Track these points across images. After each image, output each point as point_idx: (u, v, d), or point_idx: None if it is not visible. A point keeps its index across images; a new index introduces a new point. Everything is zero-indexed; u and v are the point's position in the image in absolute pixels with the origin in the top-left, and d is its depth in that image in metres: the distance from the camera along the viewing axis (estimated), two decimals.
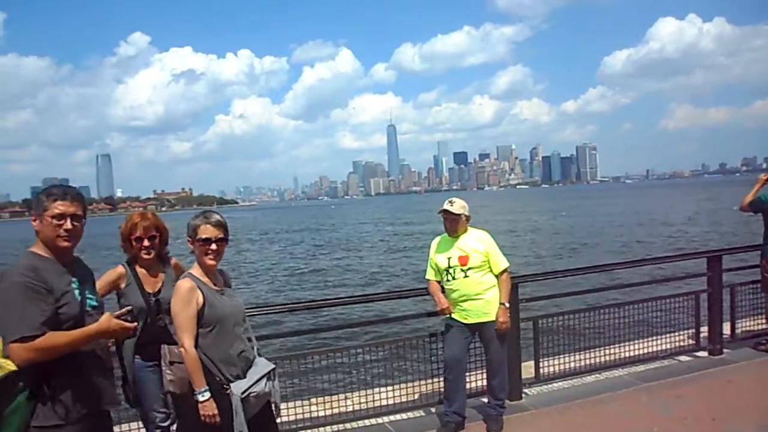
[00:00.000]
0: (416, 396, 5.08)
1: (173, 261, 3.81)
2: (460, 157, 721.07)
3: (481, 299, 4.46)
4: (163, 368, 3.27)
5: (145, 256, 3.62)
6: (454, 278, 4.51)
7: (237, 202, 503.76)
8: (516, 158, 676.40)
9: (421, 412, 5.06)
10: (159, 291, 3.61)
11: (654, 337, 6.08)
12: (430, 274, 4.73)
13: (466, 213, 4.56)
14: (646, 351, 5.92)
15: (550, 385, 5.50)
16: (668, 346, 6.04)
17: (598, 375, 5.67)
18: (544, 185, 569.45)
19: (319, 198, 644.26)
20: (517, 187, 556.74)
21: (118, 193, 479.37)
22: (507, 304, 4.51)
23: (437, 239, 4.77)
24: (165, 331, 3.37)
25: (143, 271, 3.65)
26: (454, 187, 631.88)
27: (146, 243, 3.61)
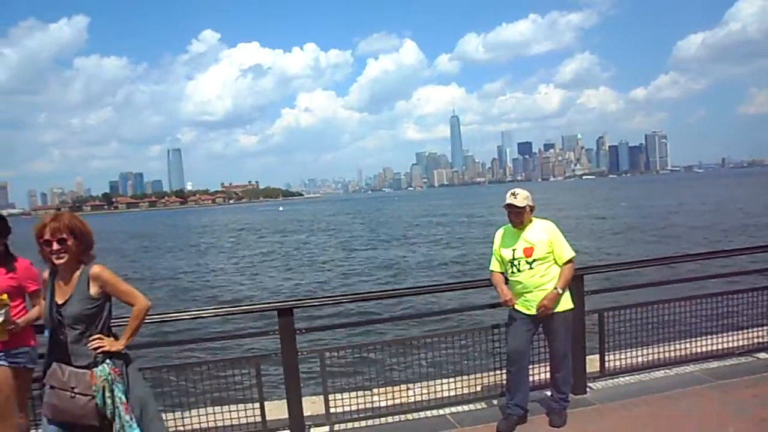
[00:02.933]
0: (478, 388, 5.05)
1: (95, 269, 3.31)
2: (525, 148, 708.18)
3: (545, 290, 4.38)
4: (46, 388, 3.21)
5: (56, 261, 3.24)
6: (519, 270, 4.45)
7: (302, 194, 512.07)
8: (582, 148, 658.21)
9: (483, 405, 5.02)
10: (65, 302, 3.25)
11: (729, 333, 5.78)
12: (494, 266, 4.68)
13: (530, 203, 4.48)
14: (719, 347, 5.67)
15: (615, 380, 5.35)
16: (745, 342, 5.76)
17: (667, 371, 5.48)
18: (611, 175, 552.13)
19: (383, 190, 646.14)
20: (583, 177, 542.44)
21: (188, 186, 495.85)
22: (560, 291, 4.39)
23: (501, 230, 4.71)
24: (63, 348, 3.22)
25: (60, 279, 3.32)
26: (519, 178, 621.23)
27: (55, 247, 3.21)
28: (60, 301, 3.27)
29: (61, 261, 3.25)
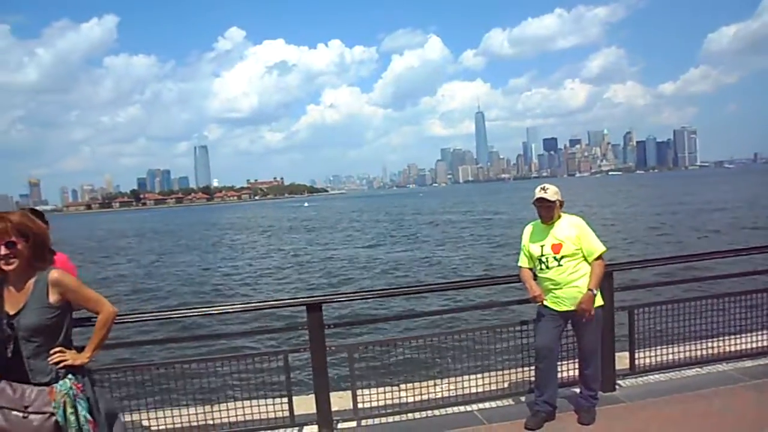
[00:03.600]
0: (505, 384, 5.03)
1: (54, 275, 2.99)
2: (550, 144, 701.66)
3: (574, 287, 4.34)
4: None
5: (5, 267, 2.89)
6: (547, 266, 4.41)
7: (327, 191, 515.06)
8: (608, 144, 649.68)
9: (510, 401, 5.00)
10: (18, 312, 2.90)
11: (763, 331, 5.64)
12: (523, 262, 4.65)
13: (560, 198, 4.45)
14: (754, 346, 5.55)
15: (645, 378, 5.28)
16: None
17: (699, 369, 5.38)
18: (638, 171, 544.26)
19: (407, 186, 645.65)
20: (610, 173, 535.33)
21: (215, 183, 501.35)
22: (595, 291, 4.34)
23: (530, 226, 4.68)
24: (15, 364, 2.87)
25: (10, 286, 2.96)
26: (544, 174, 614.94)
27: (2, 251, 2.87)
28: (11, 312, 2.90)
29: (11, 267, 2.89)
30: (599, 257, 4.41)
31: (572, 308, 4.36)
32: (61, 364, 2.94)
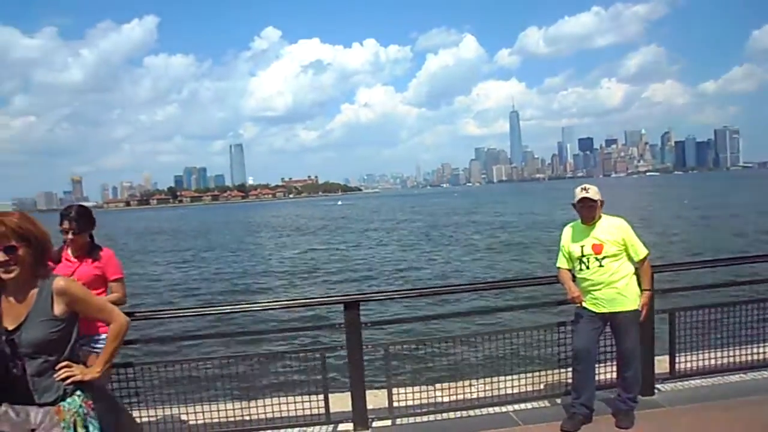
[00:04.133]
0: (541, 386, 4.98)
1: (59, 283, 2.63)
2: (586, 143, 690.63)
3: (614, 288, 4.29)
4: None
5: (4, 276, 2.54)
6: (587, 267, 4.36)
7: (361, 189, 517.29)
8: (646, 144, 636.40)
9: (546, 403, 4.95)
10: (19, 327, 2.55)
11: None
12: (562, 262, 4.61)
13: (601, 198, 4.40)
14: None
15: (686, 383, 5.16)
16: None
17: (743, 375, 5.25)
18: (676, 172, 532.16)
19: (441, 185, 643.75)
20: (647, 174, 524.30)
21: (250, 181, 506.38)
22: (650, 290, 4.34)
23: (569, 227, 4.63)
24: (17, 384, 2.53)
25: (9, 297, 2.61)
26: (579, 174, 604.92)
27: (1, 257, 2.51)
28: (10, 327, 2.55)
29: (11, 275, 2.55)
30: (644, 259, 4.38)
31: (611, 310, 4.31)
32: (69, 380, 2.61)
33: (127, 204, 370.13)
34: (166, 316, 5.60)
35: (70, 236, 3.97)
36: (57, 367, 2.60)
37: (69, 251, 4.06)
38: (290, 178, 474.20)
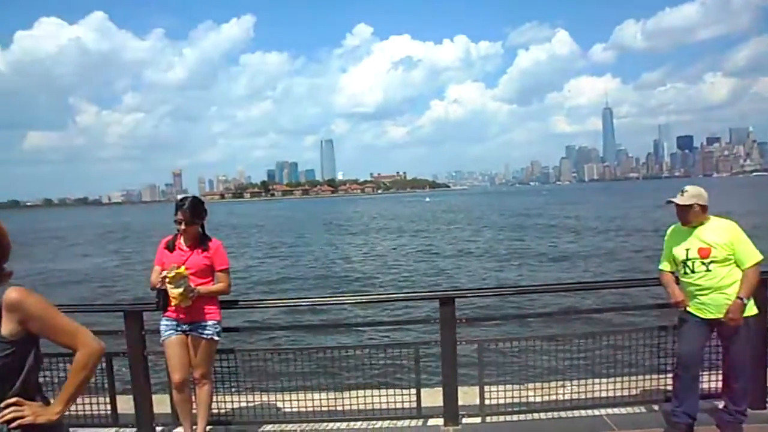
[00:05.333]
0: (637, 391, 4.82)
1: (10, 295, 2.05)
2: (685, 141, 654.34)
3: (723, 294, 4.05)
4: None
5: None
6: (693, 271, 4.16)
7: (448, 186, 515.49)
8: (754, 142, 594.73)
9: (642, 409, 4.80)
10: None
11: None
12: (664, 265, 4.42)
13: (701, 202, 4.16)
14: None
15: None
16: None
17: None
18: None
19: (530, 183, 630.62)
20: (753, 174, 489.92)
21: (339, 176, 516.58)
22: (745, 300, 4.03)
23: (673, 228, 4.43)
24: None
25: None
26: (676, 174, 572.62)
27: None
28: None
29: None
30: (755, 265, 4.10)
31: (719, 316, 4.09)
32: (16, 423, 2.02)
33: (222, 197, 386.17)
34: (267, 306, 5.85)
35: (182, 226, 4.20)
36: (2, 405, 2.04)
37: (182, 241, 4.30)
38: (379, 174, 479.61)
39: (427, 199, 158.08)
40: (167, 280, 3.99)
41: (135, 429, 4.71)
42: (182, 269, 4.03)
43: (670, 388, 4.45)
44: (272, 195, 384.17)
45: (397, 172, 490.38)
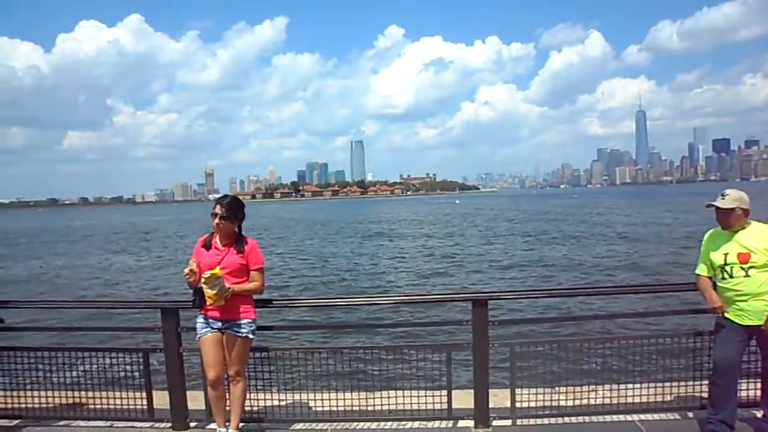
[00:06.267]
0: (671, 397, 4.76)
1: None
2: (721, 145, 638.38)
3: (763, 300, 3.98)
4: None
5: None
6: (731, 276, 4.09)
7: (478, 188, 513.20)
8: None
9: (676, 415, 4.73)
10: None
11: None
12: (702, 270, 4.34)
13: (743, 206, 4.10)
14: None
15: None
16: None
17: None
18: None
19: (560, 186, 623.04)
20: None
21: (369, 177, 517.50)
22: None
23: (712, 232, 4.35)
24: None
25: None
26: (712, 178, 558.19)
27: None
28: None
29: None
30: None
31: (758, 323, 4.02)
32: None
33: (253, 197, 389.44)
34: (300, 305, 5.91)
35: (217, 220, 4.26)
36: None
37: (218, 239, 4.38)
38: (408, 175, 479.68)
39: (457, 201, 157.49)
40: (203, 281, 4.08)
41: (170, 424, 4.82)
42: (217, 270, 4.10)
43: (705, 395, 4.40)
44: (302, 195, 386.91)
45: (427, 174, 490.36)
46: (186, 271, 4.23)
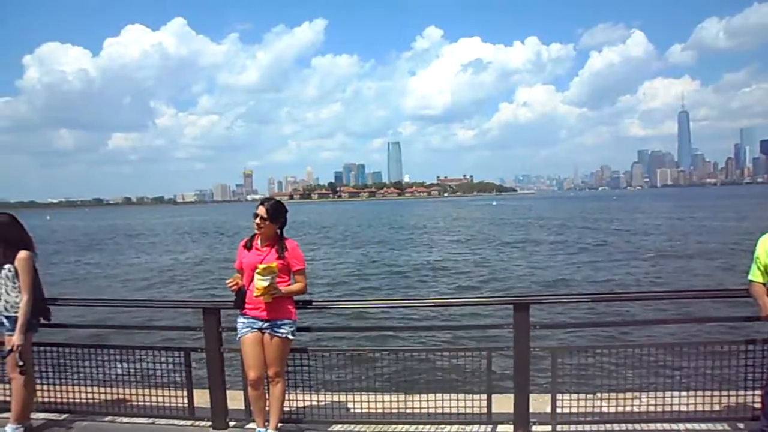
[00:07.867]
0: (720, 407, 4.60)
1: None
2: None
3: None
4: None
5: None
6: None
7: (515, 190, 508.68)
8: None
9: (725, 425, 4.57)
10: None
11: None
12: (755, 275, 4.17)
13: None
14: None
15: None
16: None
17: None
18: None
19: (599, 188, 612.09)
20: None
21: (406, 178, 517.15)
22: None
23: (765, 237, 4.19)
24: None
25: None
26: (759, 180, 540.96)
27: None
28: None
29: None
30: None
31: None
32: None
33: (291, 197, 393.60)
34: (339, 306, 5.93)
35: (258, 221, 4.30)
36: None
37: (258, 241, 4.43)
38: (445, 177, 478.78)
39: (495, 203, 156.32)
40: (257, 270, 4.15)
41: (210, 423, 4.89)
42: (273, 264, 4.18)
43: (758, 405, 4.26)
44: (339, 196, 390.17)
45: (464, 176, 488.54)
46: (230, 282, 4.36)
